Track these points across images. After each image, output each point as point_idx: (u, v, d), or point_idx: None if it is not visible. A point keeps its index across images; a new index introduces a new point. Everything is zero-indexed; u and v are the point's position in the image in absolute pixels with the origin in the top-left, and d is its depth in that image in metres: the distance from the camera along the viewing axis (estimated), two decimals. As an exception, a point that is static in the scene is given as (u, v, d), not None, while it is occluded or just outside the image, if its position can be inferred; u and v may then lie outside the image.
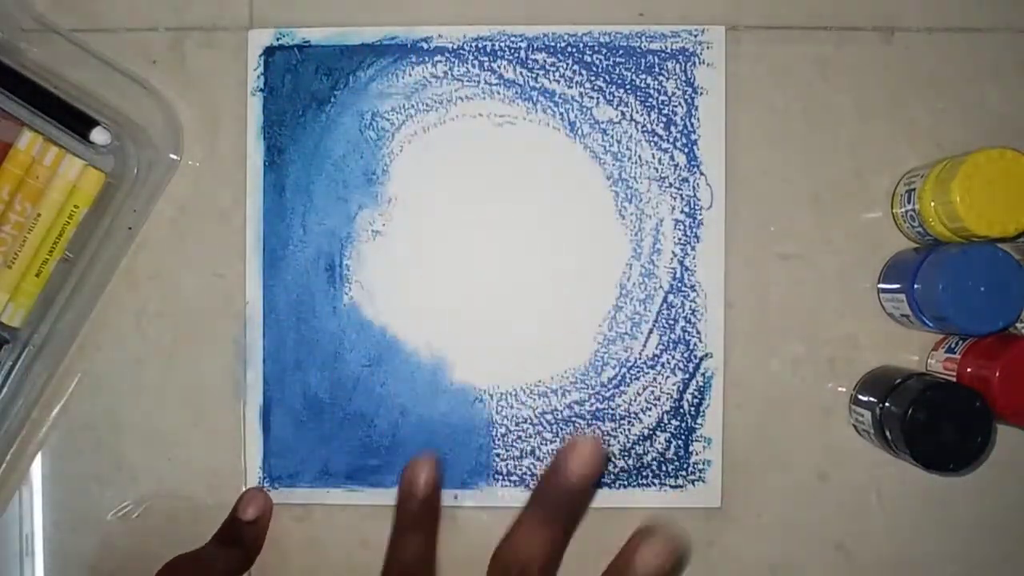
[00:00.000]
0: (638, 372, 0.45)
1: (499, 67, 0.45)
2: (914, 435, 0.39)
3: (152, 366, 0.46)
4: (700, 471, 0.45)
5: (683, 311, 0.45)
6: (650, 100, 0.45)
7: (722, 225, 0.45)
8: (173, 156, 0.45)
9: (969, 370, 0.41)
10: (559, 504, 0.35)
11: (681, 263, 0.45)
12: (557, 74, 0.45)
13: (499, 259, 0.45)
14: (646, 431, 0.45)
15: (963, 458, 0.39)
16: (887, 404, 0.41)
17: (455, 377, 0.45)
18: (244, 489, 0.45)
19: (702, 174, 0.45)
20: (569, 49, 0.45)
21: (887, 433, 0.41)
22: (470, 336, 0.45)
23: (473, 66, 0.45)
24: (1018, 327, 0.43)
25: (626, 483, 0.45)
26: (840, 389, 0.45)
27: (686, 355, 0.45)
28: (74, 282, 0.44)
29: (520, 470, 0.45)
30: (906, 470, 0.44)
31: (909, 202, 0.43)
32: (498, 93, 0.45)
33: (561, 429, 0.45)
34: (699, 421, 0.45)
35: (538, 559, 0.33)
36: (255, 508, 0.43)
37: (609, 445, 0.45)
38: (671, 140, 0.45)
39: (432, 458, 0.39)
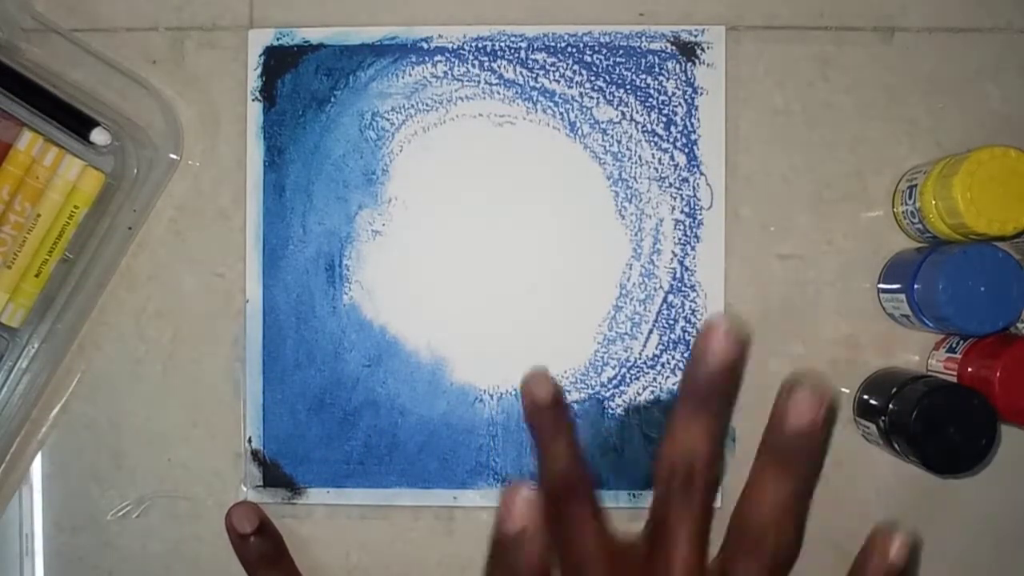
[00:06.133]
0: (638, 372, 0.45)
1: (499, 67, 0.45)
2: (921, 444, 0.39)
3: (152, 366, 0.46)
4: (700, 471, 0.45)
5: (683, 311, 0.45)
6: (650, 100, 0.45)
7: (722, 225, 0.45)
8: (173, 156, 0.45)
9: (970, 370, 0.41)
10: (704, 393, 0.32)
11: (681, 263, 0.45)
12: (557, 74, 0.45)
13: (499, 259, 0.45)
14: (646, 431, 0.45)
15: (972, 459, 0.39)
16: (890, 415, 0.41)
17: (455, 377, 0.45)
18: (230, 507, 0.44)
19: (702, 174, 0.45)
20: (569, 49, 0.45)
21: (895, 445, 0.41)
22: (470, 336, 0.45)
23: (473, 66, 0.45)
24: (1018, 327, 0.43)
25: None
26: (844, 390, 0.45)
27: (686, 355, 0.45)
28: (74, 282, 0.44)
29: (520, 470, 0.45)
30: (906, 470, 0.44)
31: (911, 199, 0.43)
32: (498, 93, 0.45)
33: (561, 429, 0.45)
34: (699, 421, 0.45)
35: (701, 453, 0.31)
36: (248, 520, 0.42)
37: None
38: (671, 140, 0.45)
39: (543, 371, 0.35)
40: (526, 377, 0.35)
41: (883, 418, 0.41)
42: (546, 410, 0.34)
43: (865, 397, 0.44)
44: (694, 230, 0.45)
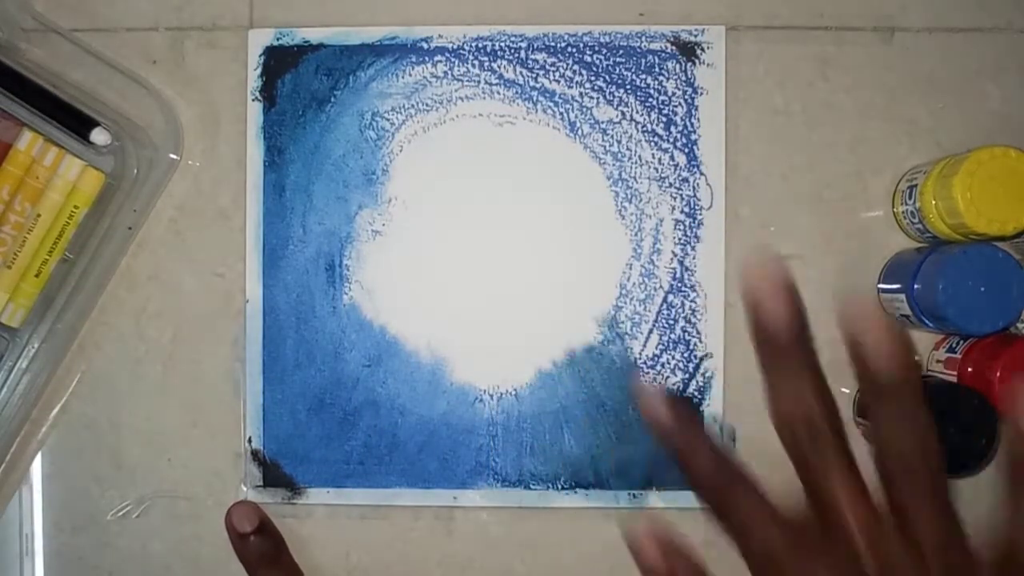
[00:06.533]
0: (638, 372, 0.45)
1: (499, 67, 0.45)
2: None
3: (152, 366, 0.46)
4: (700, 471, 0.45)
5: (683, 311, 0.45)
6: (650, 100, 0.45)
7: (722, 225, 0.45)
8: (173, 156, 0.45)
9: (970, 370, 0.41)
10: (781, 351, 0.30)
11: (681, 263, 0.45)
12: (557, 74, 0.45)
13: (499, 259, 0.45)
14: (646, 431, 0.45)
15: (972, 459, 0.39)
16: None
17: (455, 377, 0.45)
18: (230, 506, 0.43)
19: (702, 174, 0.45)
20: (569, 49, 0.45)
21: None
22: (470, 336, 0.45)
23: (473, 66, 0.45)
24: (1018, 327, 0.43)
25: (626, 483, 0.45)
26: (843, 390, 0.45)
27: (686, 355, 0.45)
28: (74, 282, 0.44)
29: (520, 470, 0.45)
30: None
31: (911, 199, 0.43)
32: (498, 93, 0.45)
33: (561, 429, 0.45)
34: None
35: (811, 405, 0.30)
36: (248, 520, 0.42)
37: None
38: (671, 140, 0.45)
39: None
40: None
41: None
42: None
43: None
44: (694, 230, 0.45)
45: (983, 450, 0.39)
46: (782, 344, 0.30)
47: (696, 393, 0.45)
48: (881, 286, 0.45)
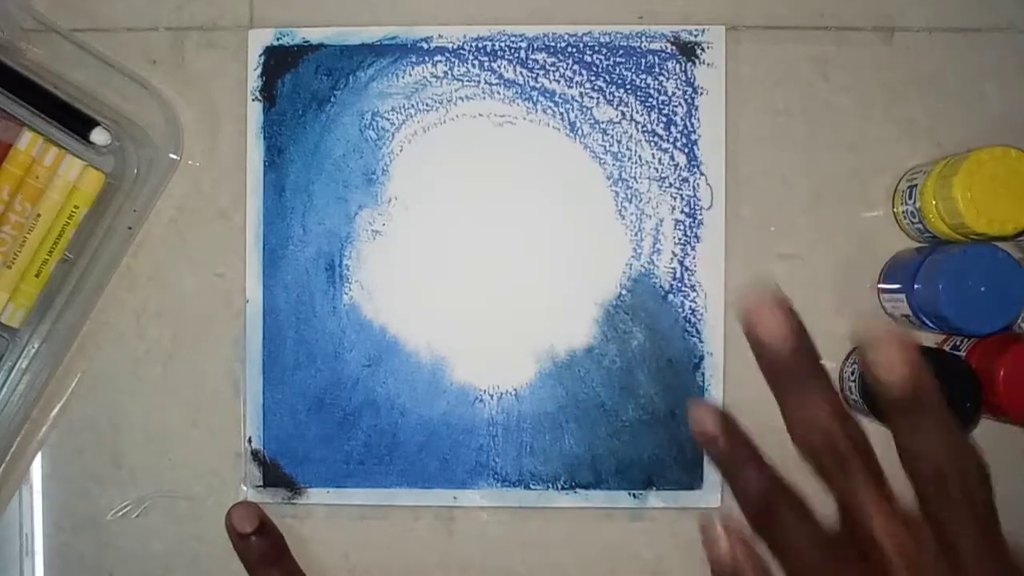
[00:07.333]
0: (638, 372, 0.45)
1: (499, 67, 0.45)
2: None
3: (152, 366, 0.46)
4: (700, 471, 0.45)
5: (683, 311, 0.45)
6: (650, 100, 0.45)
7: (722, 225, 0.45)
8: (173, 156, 0.45)
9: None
10: (791, 373, 0.30)
11: (681, 263, 0.45)
12: (557, 74, 0.45)
13: (499, 259, 0.45)
14: (646, 431, 0.45)
15: (961, 423, 0.39)
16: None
17: (455, 377, 0.45)
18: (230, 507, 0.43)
19: (702, 174, 0.45)
20: (569, 49, 0.45)
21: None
22: (470, 336, 0.45)
23: (473, 66, 0.45)
24: (1021, 326, 0.43)
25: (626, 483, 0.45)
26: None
27: (686, 355, 0.45)
28: (74, 282, 0.44)
29: (520, 470, 0.45)
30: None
31: (911, 199, 0.43)
32: (498, 93, 0.45)
33: (561, 429, 0.45)
34: (699, 421, 0.45)
35: (830, 424, 0.29)
36: (248, 520, 0.42)
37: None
38: (671, 140, 0.45)
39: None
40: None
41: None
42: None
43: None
44: (694, 230, 0.45)
45: (968, 414, 0.39)
46: (785, 359, 0.30)
47: (696, 393, 0.45)
48: (881, 286, 0.45)
